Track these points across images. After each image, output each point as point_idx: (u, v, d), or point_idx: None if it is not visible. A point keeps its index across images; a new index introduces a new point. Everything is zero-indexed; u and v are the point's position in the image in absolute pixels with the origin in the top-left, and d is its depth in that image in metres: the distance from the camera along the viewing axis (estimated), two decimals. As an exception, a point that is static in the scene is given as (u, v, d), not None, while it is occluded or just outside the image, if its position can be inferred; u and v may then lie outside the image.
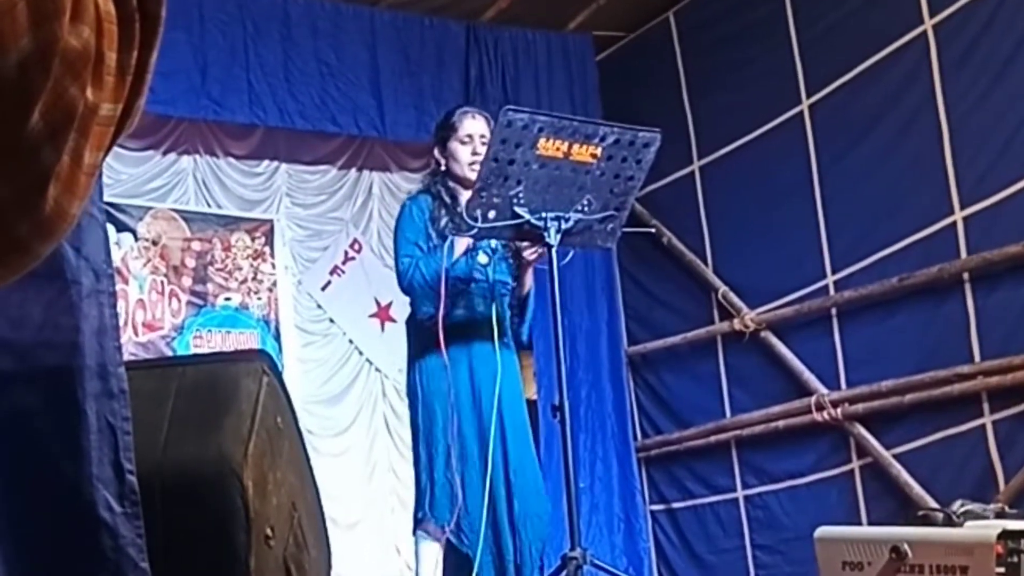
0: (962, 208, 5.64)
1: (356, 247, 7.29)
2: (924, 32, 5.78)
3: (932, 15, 5.75)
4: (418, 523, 4.20)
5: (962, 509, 4.84)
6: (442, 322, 4.08)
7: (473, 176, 4.15)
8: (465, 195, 4.21)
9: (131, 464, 2.30)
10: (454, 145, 4.27)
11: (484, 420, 4.17)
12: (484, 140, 4.22)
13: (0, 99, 0.57)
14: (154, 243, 6.73)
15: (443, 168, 4.31)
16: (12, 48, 0.56)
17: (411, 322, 4.37)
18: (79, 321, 2.38)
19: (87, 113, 0.62)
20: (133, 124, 0.68)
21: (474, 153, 4.23)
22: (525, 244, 4.16)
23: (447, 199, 4.24)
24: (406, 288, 4.20)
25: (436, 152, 4.35)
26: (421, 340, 4.24)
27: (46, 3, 0.57)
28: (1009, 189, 5.46)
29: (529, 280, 4.35)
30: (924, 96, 5.77)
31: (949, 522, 4.01)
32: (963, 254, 5.63)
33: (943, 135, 5.69)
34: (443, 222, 4.18)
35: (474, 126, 4.28)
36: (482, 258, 4.23)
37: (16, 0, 0.56)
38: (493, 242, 4.21)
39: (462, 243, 4.13)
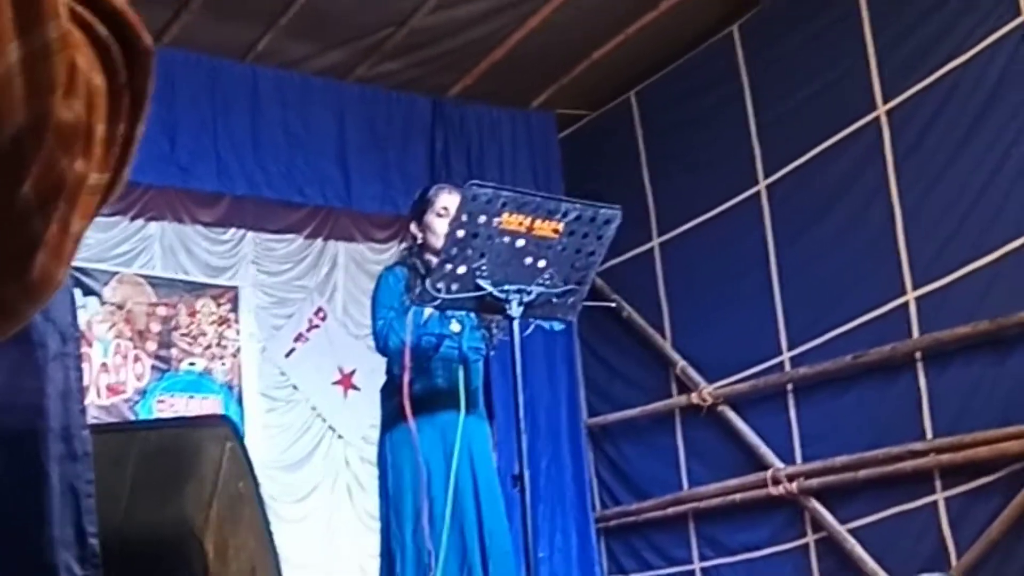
0: (914, 289, 5.76)
1: (320, 315, 7.34)
2: (877, 117, 5.94)
3: (886, 101, 5.91)
4: None
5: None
6: (412, 386, 4.15)
7: None
8: None
9: (93, 527, 2.32)
10: (431, 218, 4.37)
11: (457, 487, 4.22)
12: None
13: None
14: (119, 307, 6.74)
15: (419, 241, 4.40)
16: (7, 122, 0.59)
17: (384, 391, 4.43)
18: (44, 384, 2.42)
19: (76, 183, 0.64)
20: (118, 192, 0.71)
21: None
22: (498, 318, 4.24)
23: (422, 271, 4.32)
24: (382, 349, 4.29)
25: (413, 227, 4.45)
26: (391, 408, 4.30)
27: (42, 78, 0.60)
28: (960, 271, 5.59)
29: None
30: (878, 179, 5.91)
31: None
32: (915, 333, 5.75)
33: (896, 217, 5.83)
34: (418, 291, 4.26)
35: (451, 200, 4.36)
36: (455, 327, 4.29)
37: (13, 75, 0.59)
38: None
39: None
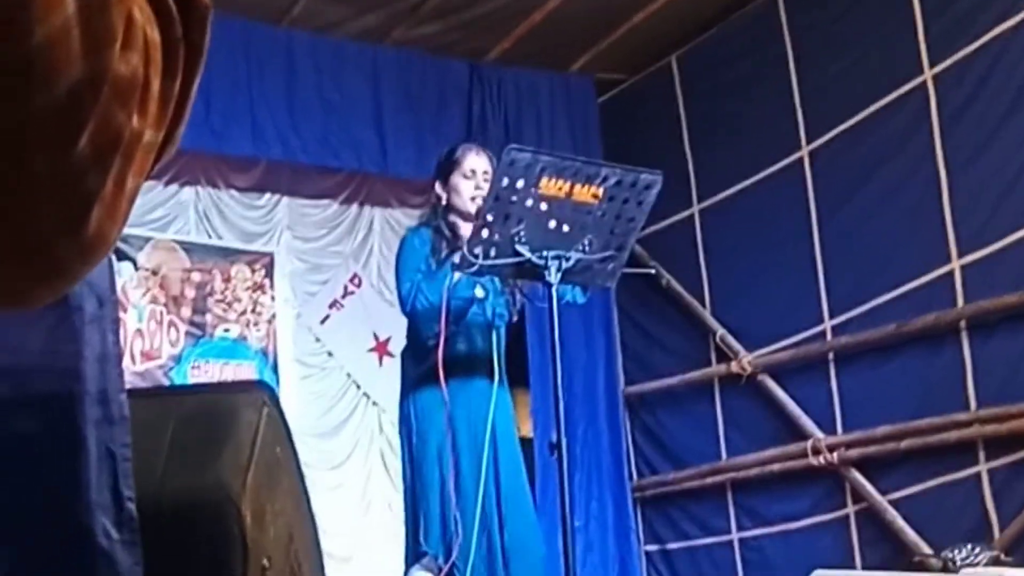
0: (959, 257, 5.67)
1: (356, 281, 7.32)
2: (924, 82, 5.83)
3: (932, 65, 5.80)
4: (417, 557, 4.19)
5: (959, 556, 4.85)
6: (442, 350, 4.10)
7: (475, 210, 4.21)
8: (465, 228, 4.25)
9: (130, 491, 2.30)
10: (457, 179, 4.30)
11: (479, 455, 4.18)
12: (487, 176, 4.26)
13: (50, 124, 0.59)
14: (154, 273, 6.75)
15: (444, 202, 4.33)
16: (64, 75, 0.58)
17: (407, 353, 4.39)
18: (81, 347, 2.39)
19: (132, 139, 0.64)
20: (173, 151, 0.70)
21: (477, 188, 4.26)
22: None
23: (447, 232, 4.28)
24: (409, 312, 4.22)
25: (437, 187, 4.37)
26: (418, 372, 4.26)
27: (99, 31, 0.59)
28: (1006, 239, 5.49)
29: None
30: (923, 145, 5.81)
31: (945, 568, 4.01)
32: (960, 303, 5.66)
33: (941, 184, 5.73)
34: (443, 254, 4.21)
35: (478, 162, 4.32)
36: (479, 292, 4.24)
37: (70, 28, 0.57)
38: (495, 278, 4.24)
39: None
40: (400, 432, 4.38)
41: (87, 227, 0.64)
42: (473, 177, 4.29)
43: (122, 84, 0.61)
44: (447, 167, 4.36)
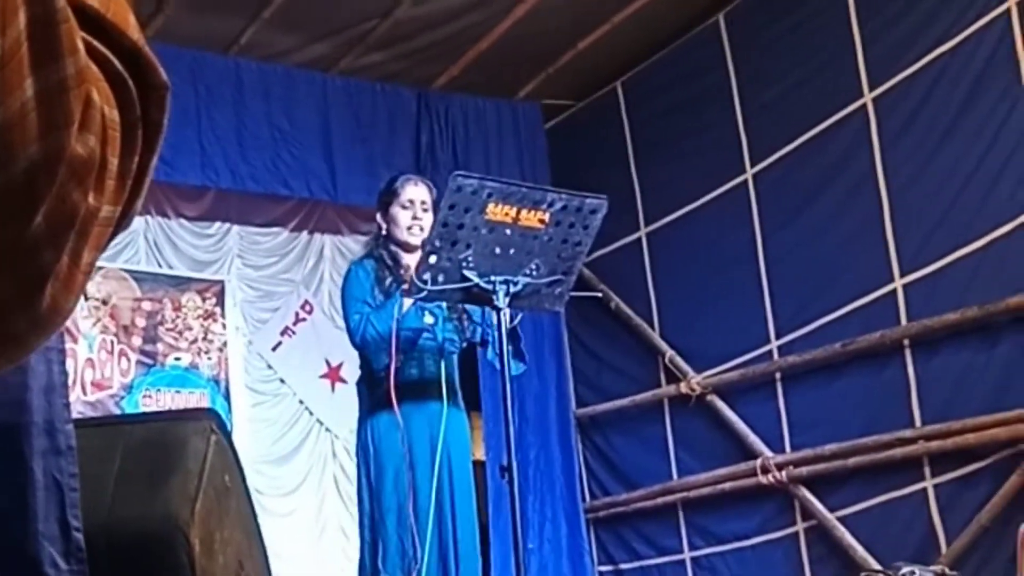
0: (902, 276, 5.76)
1: (307, 308, 7.32)
2: (864, 105, 5.93)
3: (872, 88, 5.91)
4: None
5: (904, 570, 4.92)
6: (394, 377, 4.15)
7: (412, 240, 4.33)
8: (407, 257, 4.34)
9: (78, 521, 2.30)
10: (395, 210, 4.38)
11: (437, 479, 4.21)
12: (425, 206, 4.38)
13: (6, 203, 0.60)
14: (104, 303, 6.72)
15: (384, 232, 4.41)
16: (21, 156, 0.59)
17: (362, 381, 4.42)
18: (27, 378, 2.40)
19: (88, 216, 0.65)
20: (130, 224, 0.71)
21: (414, 218, 4.36)
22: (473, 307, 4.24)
23: (389, 262, 4.33)
24: (359, 344, 4.27)
25: (379, 217, 4.46)
26: (373, 398, 4.30)
27: (57, 114, 0.60)
28: (947, 258, 5.59)
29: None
30: (865, 166, 5.91)
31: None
32: (903, 321, 5.75)
33: (883, 204, 5.83)
34: (388, 283, 4.26)
35: (415, 192, 4.39)
36: (428, 318, 4.29)
37: (28, 111, 0.59)
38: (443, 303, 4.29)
39: (409, 299, 4.20)
40: (357, 459, 4.41)
41: (42, 300, 0.65)
42: (411, 207, 4.36)
43: (79, 164, 0.62)
44: (387, 198, 4.44)
